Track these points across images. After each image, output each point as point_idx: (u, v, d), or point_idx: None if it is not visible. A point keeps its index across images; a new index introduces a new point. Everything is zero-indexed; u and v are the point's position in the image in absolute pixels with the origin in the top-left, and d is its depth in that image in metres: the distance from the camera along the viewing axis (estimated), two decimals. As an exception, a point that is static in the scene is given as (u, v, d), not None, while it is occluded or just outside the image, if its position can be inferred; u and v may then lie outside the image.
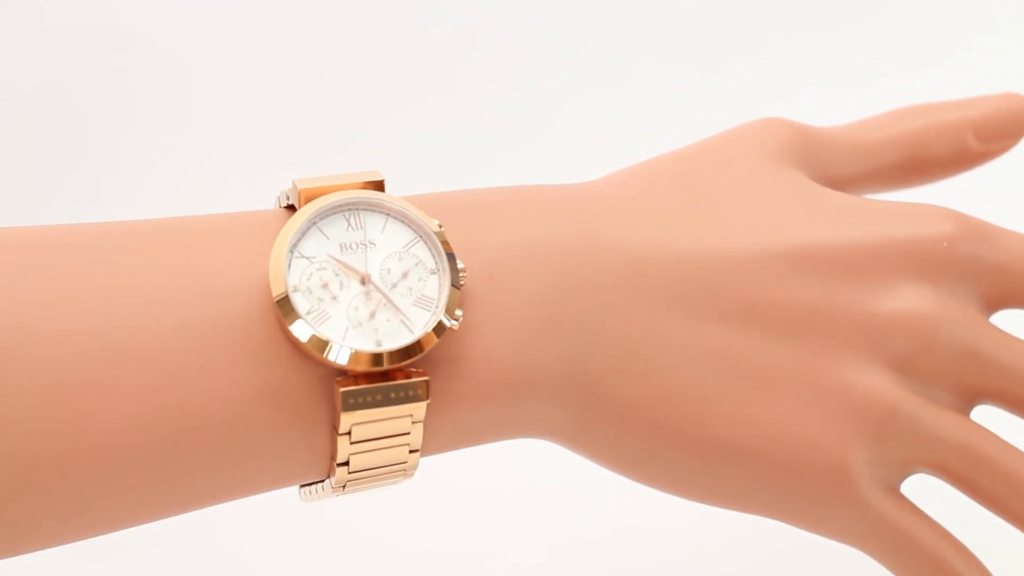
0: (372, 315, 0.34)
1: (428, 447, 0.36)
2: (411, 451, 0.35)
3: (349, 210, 0.35)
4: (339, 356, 0.34)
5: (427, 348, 0.34)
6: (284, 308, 0.33)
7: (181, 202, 0.43)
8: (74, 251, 0.34)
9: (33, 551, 0.34)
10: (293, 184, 0.35)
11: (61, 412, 0.32)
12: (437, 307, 0.35)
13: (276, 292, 0.34)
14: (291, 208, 0.36)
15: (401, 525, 0.58)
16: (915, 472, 0.37)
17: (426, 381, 0.34)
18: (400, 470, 0.36)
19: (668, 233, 0.37)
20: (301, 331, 0.33)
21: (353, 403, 0.34)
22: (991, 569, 0.38)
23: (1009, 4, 0.77)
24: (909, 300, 0.36)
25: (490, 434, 0.36)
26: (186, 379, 0.33)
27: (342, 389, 0.34)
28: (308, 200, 0.35)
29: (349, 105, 0.81)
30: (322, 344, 0.34)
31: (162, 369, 0.33)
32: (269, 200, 0.38)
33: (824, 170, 0.40)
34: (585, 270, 0.36)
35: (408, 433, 0.35)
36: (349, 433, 0.34)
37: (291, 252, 0.34)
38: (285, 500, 0.57)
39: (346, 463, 0.35)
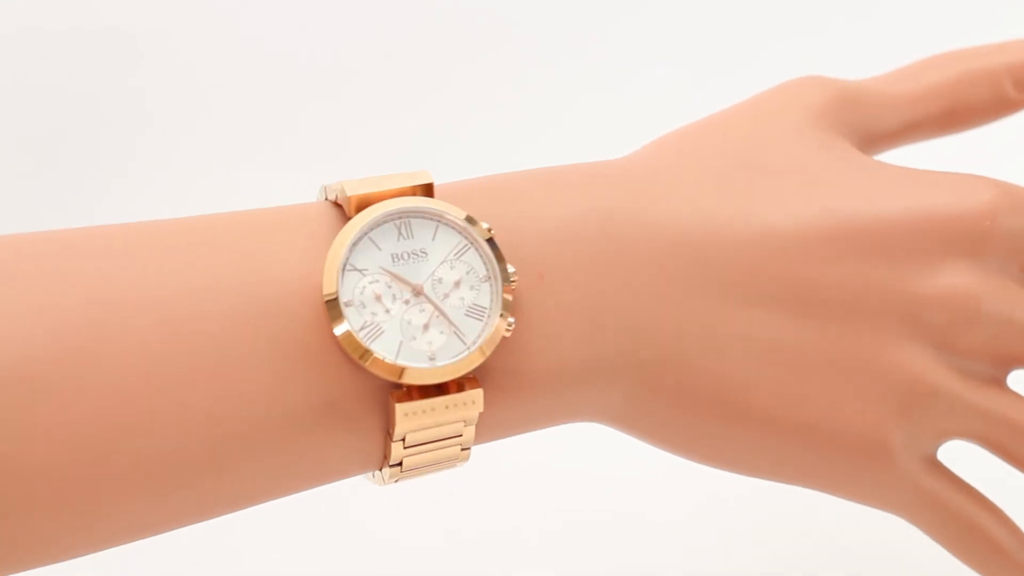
0: (425, 328, 0.34)
1: (480, 438, 0.36)
2: (463, 449, 0.36)
3: (400, 219, 0.35)
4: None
5: (480, 360, 0.34)
6: (337, 323, 0.33)
7: (192, 205, 0.42)
8: (120, 253, 0.34)
9: (89, 553, 0.34)
10: (342, 187, 0.35)
11: (116, 426, 0.32)
12: (489, 317, 0.35)
13: (330, 309, 0.33)
14: (337, 205, 0.36)
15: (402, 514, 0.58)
16: (953, 439, 0.37)
17: (480, 391, 0.35)
18: (451, 464, 0.36)
19: (709, 212, 0.37)
20: (355, 348, 0.33)
21: (408, 417, 0.34)
22: None
23: (1009, 4, 0.77)
24: (951, 278, 0.36)
25: (543, 423, 0.37)
26: (239, 392, 0.33)
27: (397, 404, 0.34)
28: (359, 207, 0.35)
29: (360, 104, 0.81)
30: (376, 362, 0.34)
31: (215, 383, 0.33)
32: (285, 200, 0.37)
33: (864, 127, 0.40)
34: (632, 259, 0.36)
35: (461, 435, 0.35)
36: (403, 439, 0.35)
37: (344, 265, 0.34)
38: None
39: (399, 464, 0.35)
